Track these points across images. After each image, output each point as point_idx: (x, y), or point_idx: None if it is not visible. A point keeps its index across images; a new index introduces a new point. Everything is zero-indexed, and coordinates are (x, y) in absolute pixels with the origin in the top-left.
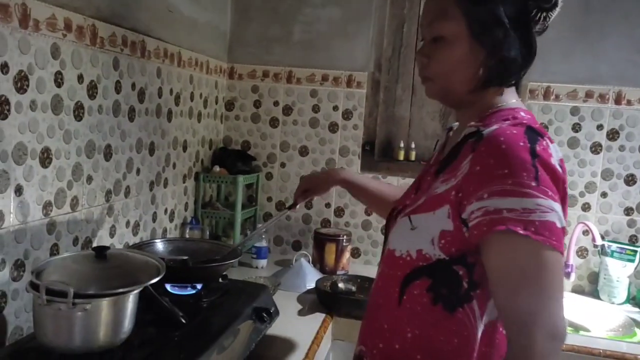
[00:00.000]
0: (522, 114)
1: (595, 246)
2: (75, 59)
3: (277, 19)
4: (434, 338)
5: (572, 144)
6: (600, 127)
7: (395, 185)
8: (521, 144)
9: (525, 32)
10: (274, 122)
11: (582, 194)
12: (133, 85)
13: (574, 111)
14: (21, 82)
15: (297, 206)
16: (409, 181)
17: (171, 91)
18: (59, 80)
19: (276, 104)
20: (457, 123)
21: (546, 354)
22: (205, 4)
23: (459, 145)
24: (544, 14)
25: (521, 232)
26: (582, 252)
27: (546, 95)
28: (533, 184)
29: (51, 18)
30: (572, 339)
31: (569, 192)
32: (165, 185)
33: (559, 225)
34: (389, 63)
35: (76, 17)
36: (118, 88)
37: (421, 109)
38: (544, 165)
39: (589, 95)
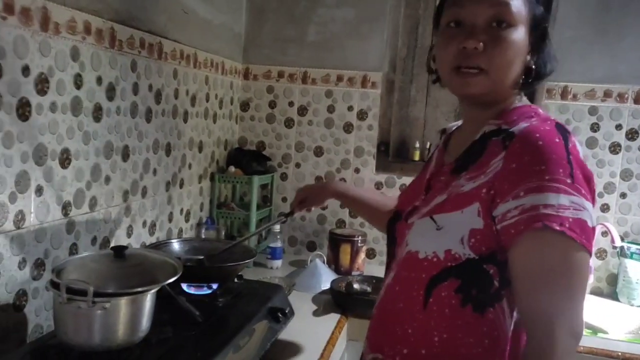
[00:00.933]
0: (541, 110)
1: (615, 247)
2: (95, 61)
3: (292, 19)
4: (464, 341)
5: (591, 143)
6: (619, 126)
7: (389, 195)
8: (557, 140)
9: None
10: (289, 123)
11: (600, 195)
12: (150, 87)
13: (592, 111)
14: (41, 84)
15: (295, 215)
16: None
17: (187, 92)
18: (78, 82)
19: (291, 104)
20: (454, 124)
21: (566, 352)
22: (220, 5)
23: (479, 143)
24: None
25: (557, 228)
26: (600, 254)
27: (564, 94)
28: (569, 180)
29: (71, 21)
30: (590, 341)
31: None
32: (181, 186)
33: (590, 224)
34: (404, 63)
35: (95, 20)
36: (135, 90)
37: (435, 109)
38: (577, 162)
39: (607, 94)
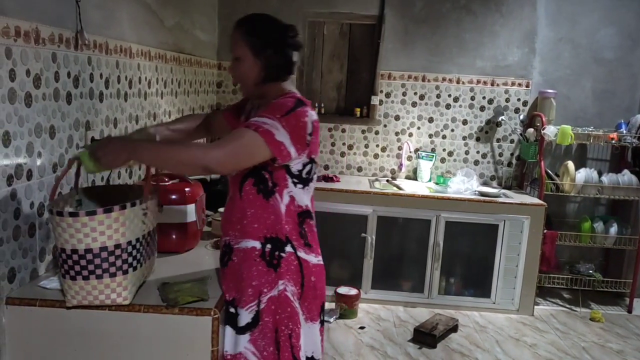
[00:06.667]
0: (298, 94)
1: (415, 153)
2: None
3: None
4: (261, 215)
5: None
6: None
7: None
8: (289, 104)
9: (283, 53)
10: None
11: (409, 130)
12: (172, 80)
13: (402, 85)
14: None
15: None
16: (322, 124)
17: (195, 80)
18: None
19: None
20: (251, 99)
21: (199, 158)
22: (207, 30)
23: None
24: (295, 45)
25: (253, 129)
26: (410, 158)
27: (389, 77)
28: (278, 116)
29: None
30: (400, 194)
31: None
32: None
33: (276, 137)
34: (308, 60)
35: (165, 52)
36: (169, 82)
37: (326, 84)
38: (295, 116)
39: (409, 77)
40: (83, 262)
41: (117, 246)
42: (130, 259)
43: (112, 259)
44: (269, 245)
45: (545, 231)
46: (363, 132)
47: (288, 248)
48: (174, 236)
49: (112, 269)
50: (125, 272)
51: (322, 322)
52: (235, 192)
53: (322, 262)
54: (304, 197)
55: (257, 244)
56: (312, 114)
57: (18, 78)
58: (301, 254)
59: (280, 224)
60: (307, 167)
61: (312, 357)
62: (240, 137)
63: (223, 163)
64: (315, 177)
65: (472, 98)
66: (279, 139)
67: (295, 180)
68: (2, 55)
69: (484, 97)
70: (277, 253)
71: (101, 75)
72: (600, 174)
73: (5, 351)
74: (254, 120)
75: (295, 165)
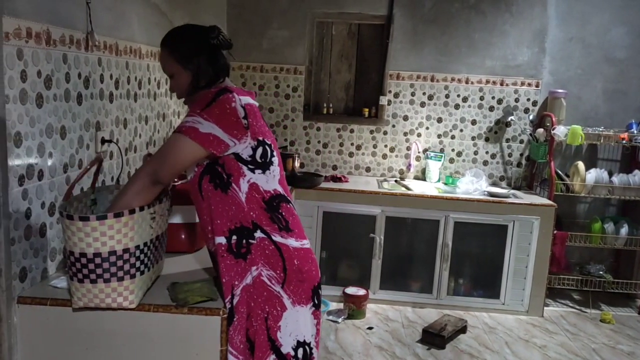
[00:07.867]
0: (225, 85)
1: (423, 153)
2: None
3: (254, 35)
4: (222, 209)
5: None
6: (424, 94)
7: None
8: (209, 96)
9: (211, 56)
10: (255, 93)
11: (417, 130)
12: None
13: (411, 86)
14: None
15: None
16: (331, 125)
17: None
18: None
19: (254, 84)
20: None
21: (140, 182)
22: None
23: None
24: (222, 45)
25: (177, 131)
26: (419, 158)
27: (397, 77)
28: (198, 111)
29: None
30: (410, 193)
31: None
32: None
33: (200, 130)
34: (316, 60)
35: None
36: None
37: (335, 85)
38: (217, 105)
39: (417, 77)
40: (91, 266)
41: (126, 250)
42: (138, 263)
43: (120, 263)
44: (234, 237)
45: (555, 232)
46: (371, 132)
47: (258, 234)
48: (183, 236)
49: (120, 273)
50: (132, 276)
51: (316, 306)
52: (197, 196)
53: (306, 246)
54: (269, 182)
55: (223, 240)
56: (242, 99)
57: (29, 79)
58: (277, 238)
59: (243, 212)
60: (260, 151)
61: (304, 341)
62: (170, 143)
63: (166, 173)
64: (275, 160)
65: (482, 98)
66: (204, 131)
67: (251, 167)
68: (13, 56)
69: (493, 97)
70: (244, 241)
71: (111, 76)
72: (610, 174)
73: (16, 349)
74: (179, 124)
75: (245, 151)
